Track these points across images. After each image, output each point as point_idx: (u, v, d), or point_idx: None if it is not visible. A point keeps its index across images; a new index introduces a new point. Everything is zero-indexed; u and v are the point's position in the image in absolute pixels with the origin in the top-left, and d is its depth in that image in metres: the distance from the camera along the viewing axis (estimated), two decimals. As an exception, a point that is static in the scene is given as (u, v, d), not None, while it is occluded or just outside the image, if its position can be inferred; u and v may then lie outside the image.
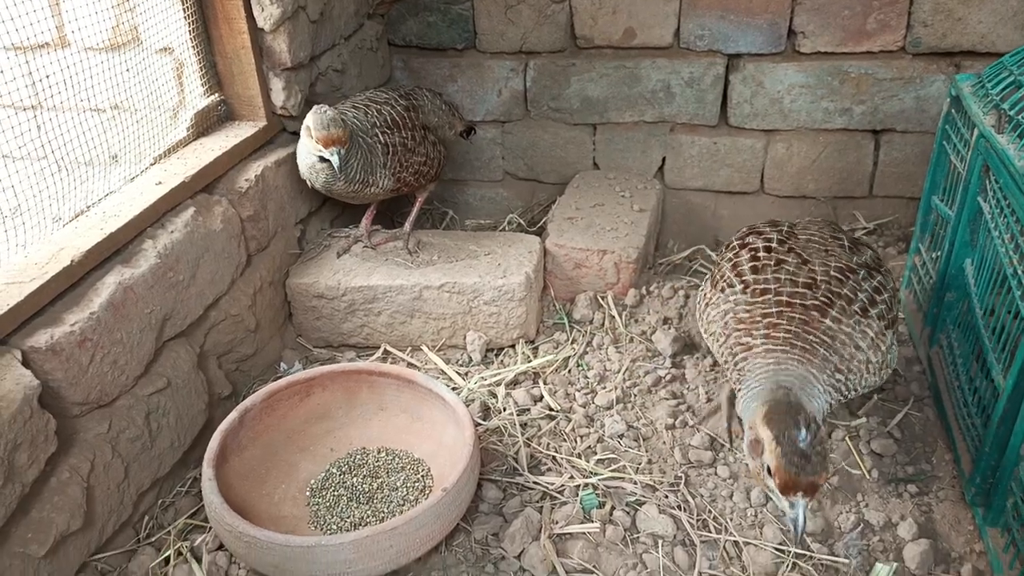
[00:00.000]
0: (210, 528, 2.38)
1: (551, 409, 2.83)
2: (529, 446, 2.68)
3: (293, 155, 3.20)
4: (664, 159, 3.99)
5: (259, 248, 3.05)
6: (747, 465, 2.27)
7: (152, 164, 2.78)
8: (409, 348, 3.21)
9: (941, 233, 2.80)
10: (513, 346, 3.20)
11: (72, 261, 2.25)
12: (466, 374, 3.06)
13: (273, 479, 2.50)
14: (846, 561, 2.24)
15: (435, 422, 2.60)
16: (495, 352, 3.20)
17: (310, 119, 2.80)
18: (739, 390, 2.15)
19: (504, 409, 2.85)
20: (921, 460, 2.57)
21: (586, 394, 2.92)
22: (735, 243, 2.49)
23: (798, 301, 2.17)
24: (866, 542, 2.32)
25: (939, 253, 2.76)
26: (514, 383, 2.98)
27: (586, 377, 3.00)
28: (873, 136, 3.75)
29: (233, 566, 2.30)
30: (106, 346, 2.26)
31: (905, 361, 2.95)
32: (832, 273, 2.23)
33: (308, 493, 2.50)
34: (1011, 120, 2.24)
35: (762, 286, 2.24)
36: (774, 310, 2.18)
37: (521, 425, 2.76)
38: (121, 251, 2.45)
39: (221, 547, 2.34)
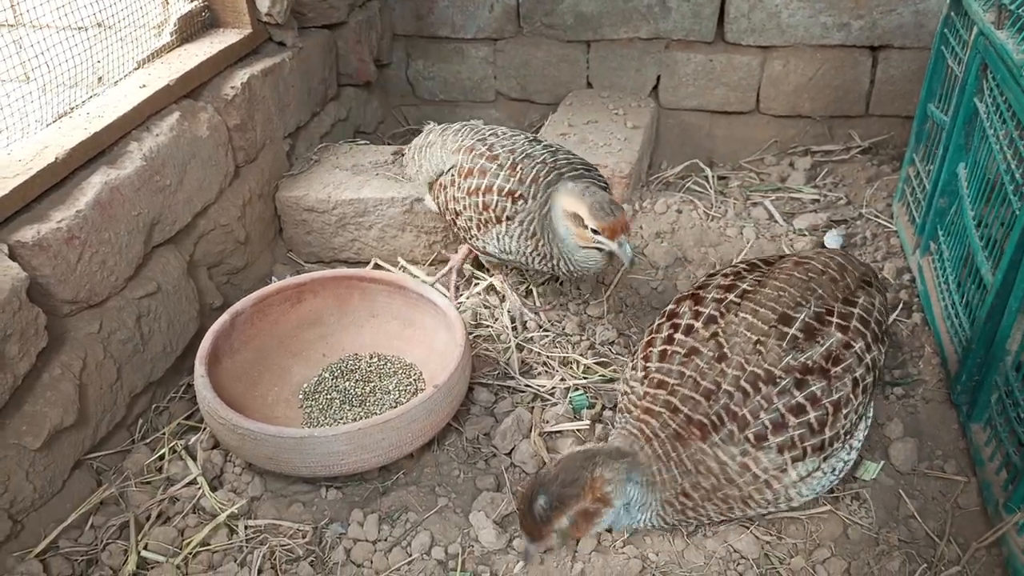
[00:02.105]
0: (205, 427, 2.40)
1: (543, 320, 2.84)
2: (521, 351, 2.70)
3: (280, 65, 3.14)
4: (659, 77, 3.93)
5: (247, 159, 3.01)
6: None
7: (136, 69, 2.72)
8: (401, 263, 3.20)
9: (936, 141, 2.78)
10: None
11: (56, 159, 2.21)
12: (458, 287, 3.06)
13: (266, 382, 2.52)
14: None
15: (427, 328, 2.60)
16: (485, 268, 3.19)
17: (573, 202, 2.34)
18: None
19: (497, 319, 2.86)
20: (908, 364, 2.60)
21: (579, 304, 2.92)
22: (667, 309, 2.08)
23: (686, 410, 1.83)
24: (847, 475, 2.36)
25: (932, 167, 2.75)
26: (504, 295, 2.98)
27: (578, 288, 3.00)
28: (871, 53, 3.69)
29: (228, 463, 2.32)
30: (94, 245, 2.24)
31: (896, 271, 2.96)
32: (742, 383, 1.80)
33: (301, 396, 2.52)
34: (1012, 15, 2.20)
35: (661, 376, 1.90)
36: (655, 408, 1.87)
37: (513, 331, 2.78)
38: (106, 152, 2.41)
39: (216, 446, 2.36)
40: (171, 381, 2.64)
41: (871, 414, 2.04)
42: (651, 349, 1.97)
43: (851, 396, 1.85)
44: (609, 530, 2.02)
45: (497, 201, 2.50)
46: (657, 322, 2.06)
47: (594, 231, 2.32)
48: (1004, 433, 2.07)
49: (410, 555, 2.04)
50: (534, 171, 2.49)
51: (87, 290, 2.24)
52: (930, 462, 2.30)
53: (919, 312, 2.76)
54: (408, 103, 4.28)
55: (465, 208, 2.60)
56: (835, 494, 2.19)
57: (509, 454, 2.33)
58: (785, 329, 1.87)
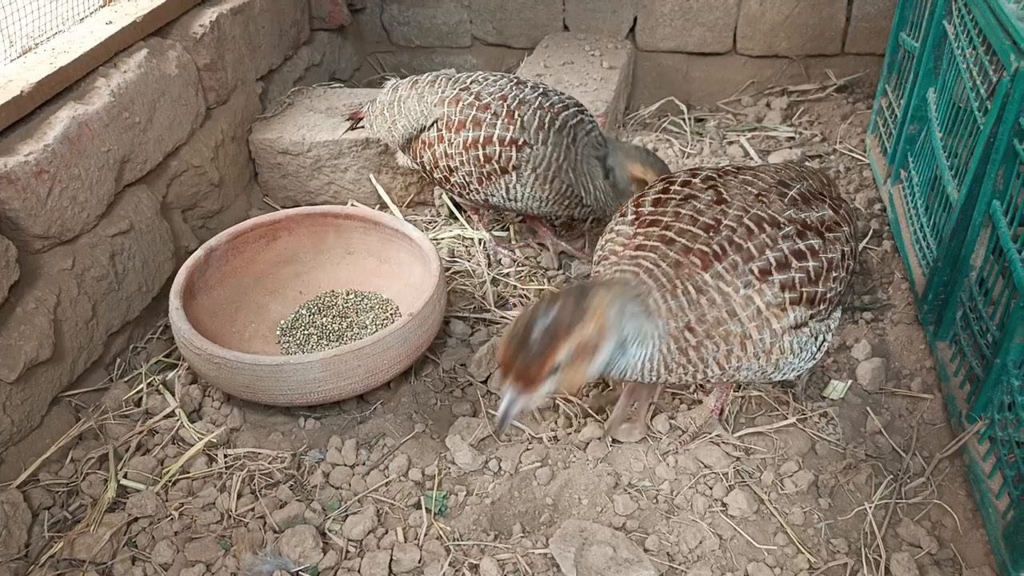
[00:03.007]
0: (182, 362, 2.42)
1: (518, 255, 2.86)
2: (496, 285, 2.72)
3: (249, 4, 3.10)
4: (636, 19, 3.90)
5: (219, 100, 2.99)
6: None
7: (102, 6, 2.68)
8: (377, 205, 3.20)
9: (907, 70, 2.79)
10: (482, 200, 3.19)
11: (22, 92, 2.19)
12: (435, 226, 3.06)
13: (243, 318, 2.53)
14: (795, 380, 2.32)
15: (402, 263, 2.61)
16: (462, 208, 3.19)
17: (640, 169, 2.50)
18: None
19: (472, 256, 2.87)
20: (877, 290, 2.64)
21: (555, 239, 2.94)
22: (660, 178, 2.05)
23: (682, 240, 1.74)
24: (820, 362, 2.40)
25: (903, 97, 2.76)
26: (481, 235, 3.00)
27: (554, 225, 3.01)
28: (846, -11, 3.68)
29: (207, 398, 2.34)
30: (64, 180, 2.23)
31: (867, 201, 2.99)
32: (746, 221, 1.77)
33: (278, 332, 2.53)
34: (979, -67, 2.20)
35: (653, 217, 1.82)
36: (649, 243, 1.76)
37: (488, 267, 2.79)
38: (73, 88, 2.39)
39: (194, 381, 2.38)
40: (148, 321, 2.64)
41: (839, 315, 1.99)
42: (643, 198, 1.91)
43: (839, 264, 1.84)
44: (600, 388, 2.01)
45: (500, 152, 2.47)
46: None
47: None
48: (968, 347, 2.12)
49: (388, 477, 2.08)
50: (536, 117, 2.47)
51: (58, 225, 2.23)
52: (897, 381, 2.35)
53: (889, 240, 2.79)
54: (383, 50, 4.24)
55: (462, 163, 2.54)
56: (803, 414, 2.24)
57: (485, 381, 2.36)
58: (785, 190, 1.88)
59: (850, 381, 2.33)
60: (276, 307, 2.60)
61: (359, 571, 1.85)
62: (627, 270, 1.75)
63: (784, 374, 1.89)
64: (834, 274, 1.82)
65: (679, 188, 1.88)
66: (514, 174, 2.50)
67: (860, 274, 2.70)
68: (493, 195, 2.59)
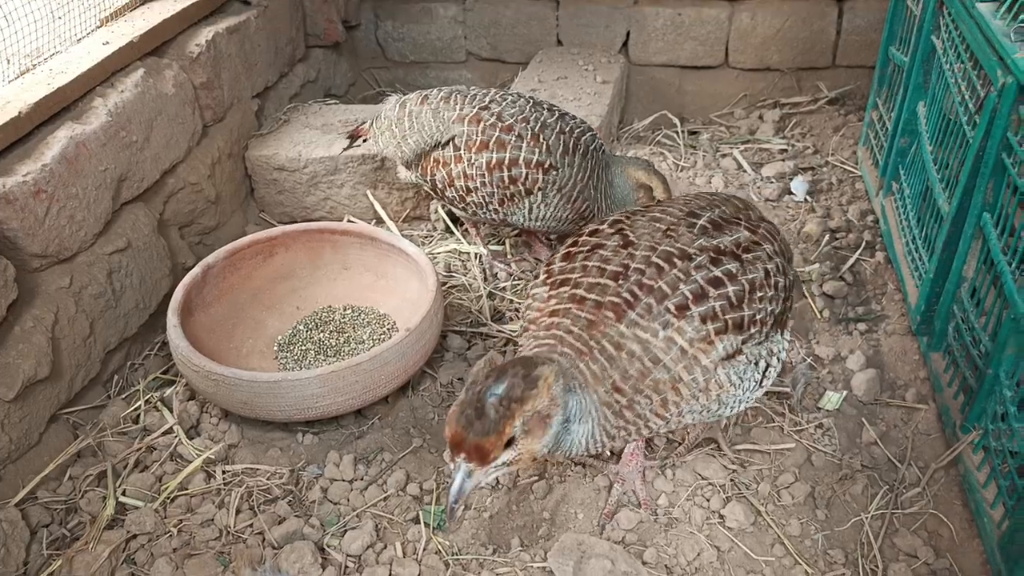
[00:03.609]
0: (180, 379, 2.42)
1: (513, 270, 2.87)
2: (492, 299, 2.73)
3: (245, 23, 3.12)
4: (628, 33, 3.94)
5: (215, 118, 3.01)
6: None
7: (99, 26, 2.70)
8: (374, 220, 3.22)
9: (897, 83, 2.82)
10: (477, 215, 3.21)
11: (20, 113, 2.20)
12: (431, 241, 3.08)
13: (240, 334, 2.53)
14: (790, 391, 2.33)
15: (399, 278, 2.63)
16: (458, 223, 3.21)
17: (645, 176, 2.56)
18: None
19: (468, 271, 2.88)
20: (871, 301, 2.67)
21: (550, 253, 2.96)
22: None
23: (593, 296, 1.68)
24: (815, 374, 2.42)
25: (893, 110, 2.79)
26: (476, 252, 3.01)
27: (550, 239, 3.03)
28: (836, 3, 3.72)
29: (204, 414, 2.35)
30: (61, 199, 2.24)
31: (860, 212, 3.02)
32: (654, 259, 1.70)
33: (276, 348, 2.54)
34: (964, -50, 2.24)
35: (563, 276, 1.76)
36: (561, 307, 1.70)
37: (484, 281, 2.81)
38: (71, 108, 2.40)
39: (192, 398, 2.39)
40: (145, 338, 2.65)
41: (784, 336, 1.91)
42: (554, 256, 1.86)
43: (764, 283, 1.76)
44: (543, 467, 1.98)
45: (527, 174, 2.48)
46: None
47: (659, 202, 2.48)
48: (961, 358, 2.14)
49: (386, 492, 2.08)
50: (560, 141, 2.50)
51: (56, 244, 2.24)
52: (892, 391, 2.37)
53: (882, 251, 2.82)
54: (378, 65, 4.27)
55: (483, 184, 2.53)
56: (799, 426, 2.25)
57: (482, 396, 2.36)
58: (694, 220, 1.82)
59: (845, 392, 2.35)
60: (273, 323, 2.61)
61: (358, 587, 1.85)
62: (544, 343, 1.67)
63: (732, 408, 1.79)
64: (759, 294, 1.74)
65: (587, 239, 1.81)
66: (539, 195, 2.52)
67: (853, 285, 2.72)
68: (513, 215, 2.60)
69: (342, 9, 3.85)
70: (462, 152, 2.53)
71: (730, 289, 1.70)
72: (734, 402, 1.78)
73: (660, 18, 3.85)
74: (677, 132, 3.72)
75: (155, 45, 2.74)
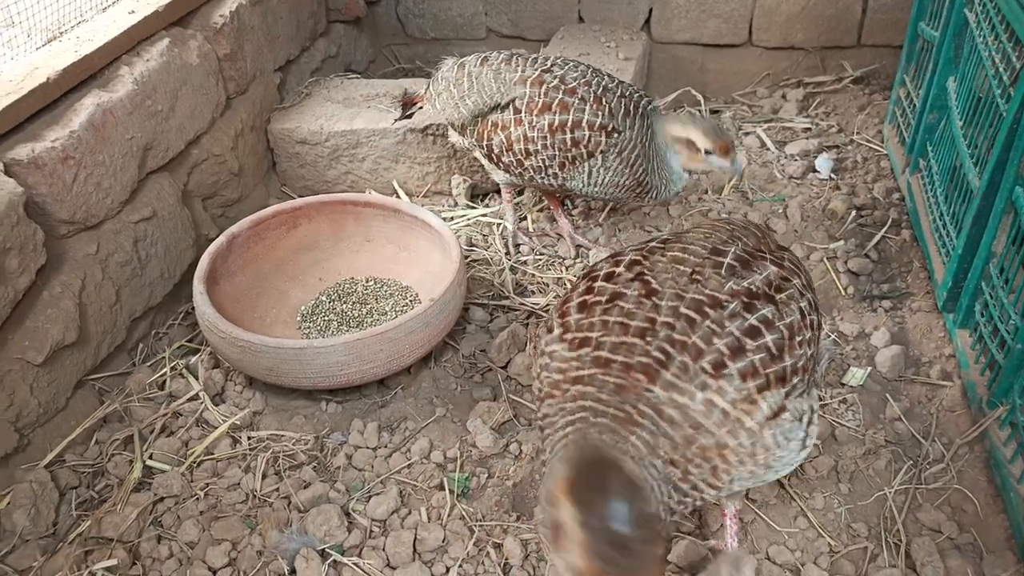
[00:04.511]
0: (205, 347, 2.44)
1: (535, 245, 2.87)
2: (515, 273, 2.73)
3: (269, -6, 3.12)
4: (651, 10, 3.90)
5: (238, 90, 3.01)
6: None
7: (123, -4, 2.71)
8: (394, 194, 3.21)
9: (926, 59, 2.79)
10: (499, 190, 3.20)
11: (48, 79, 2.21)
12: (451, 219, 3.08)
13: (264, 304, 2.55)
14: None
15: (422, 251, 2.63)
16: (480, 197, 3.21)
17: (683, 129, 2.48)
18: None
19: (490, 244, 2.88)
20: (896, 278, 2.65)
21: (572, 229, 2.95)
22: (586, 272, 1.74)
23: (620, 358, 1.47)
24: (839, 350, 2.41)
25: (922, 86, 2.75)
26: (501, 220, 3.01)
27: (571, 215, 3.02)
28: (863, -20, 3.67)
29: (229, 382, 2.37)
30: (89, 166, 2.25)
31: (885, 190, 2.99)
32: (683, 310, 1.51)
33: (299, 318, 2.55)
34: (1001, -80, 2.20)
35: (582, 334, 1.54)
36: (585, 372, 1.49)
37: (507, 256, 2.81)
38: (97, 76, 2.41)
39: (216, 365, 2.40)
40: (170, 308, 2.67)
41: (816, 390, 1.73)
42: (568, 304, 1.62)
43: (802, 325, 1.59)
44: None
45: (590, 136, 2.46)
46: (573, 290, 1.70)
47: (707, 151, 2.45)
48: (988, 334, 2.12)
49: (410, 459, 2.09)
50: (622, 104, 2.48)
51: (84, 211, 2.26)
52: (916, 368, 2.35)
53: (907, 228, 2.79)
54: (399, 42, 4.25)
55: (545, 147, 2.50)
56: (822, 401, 2.25)
57: (505, 367, 2.37)
58: (720, 259, 1.63)
59: (869, 368, 2.34)
60: (297, 293, 2.62)
61: (384, 549, 1.87)
62: (576, 416, 1.47)
63: (778, 472, 1.59)
64: (799, 338, 1.56)
65: (603, 284, 1.60)
66: (600, 158, 2.49)
67: (878, 263, 2.70)
68: (572, 179, 2.56)
69: (363, -16, 3.84)
70: (523, 114, 2.51)
71: (769, 339, 1.51)
72: (780, 465, 1.57)
73: (683, -5, 3.81)
74: (699, 110, 3.69)
75: (180, 15, 2.74)
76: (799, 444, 1.58)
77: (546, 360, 1.59)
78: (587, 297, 1.59)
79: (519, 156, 2.56)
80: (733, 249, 1.67)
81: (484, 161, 2.76)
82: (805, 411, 1.59)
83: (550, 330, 1.61)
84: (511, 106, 2.53)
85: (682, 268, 1.60)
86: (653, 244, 1.72)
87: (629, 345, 1.48)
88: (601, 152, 2.47)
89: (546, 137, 2.49)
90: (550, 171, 2.55)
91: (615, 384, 1.45)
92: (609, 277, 1.61)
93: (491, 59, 2.63)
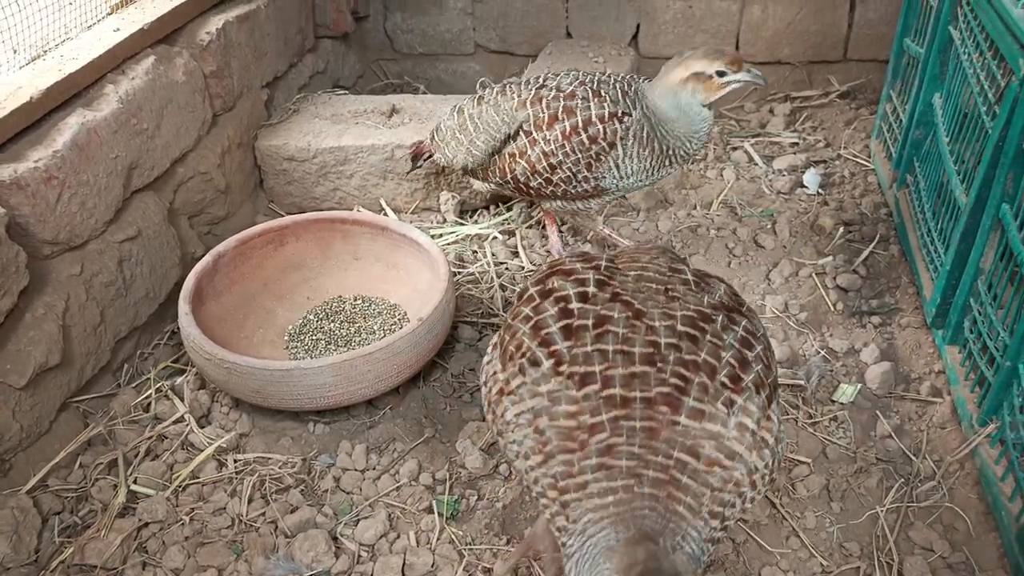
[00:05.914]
0: (191, 368, 2.41)
1: (523, 260, 2.86)
2: (504, 290, 2.72)
3: (255, 12, 3.11)
4: (638, 26, 3.92)
5: (225, 107, 2.99)
6: None
7: (109, 13, 2.69)
8: (382, 211, 3.20)
9: (912, 75, 2.80)
10: (487, 207, 3.20)
11: (31, 98, 2.19)
12: (439, 235, 3.06)
13: (251, 324, 2.52)
14: (804, 383, 2.32)
15: (410, 269, 2.61)
16: (469, 213, 3.20)
17: (682, 68, 2.42)
18: (569, 545, 1.34)
19: (478, 260, 2.87)
20: (885, 294, 2.65)
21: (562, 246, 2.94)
22: (532, 290, 1.55)
23: (637, 393, 1.33)
24: (829, 367, 2.41)
25: (908, 102, 2.77)
26: (489, 237, 3.00)
27: (560, 231, 3.01)
28: (849, -4, 3.70)
29: (216, 404, 2.34)
30: (73, 186, 2.23)
31: (873, 206, 3.00)
32: (680, 328, 1.40)
33: (287, 338, 2.53)
34: (984, -61, 2.22)
35: (581, 368, 1.37)
36: (605, 417, 1.32)
37: (496, 274, 2.79)
38: (82, 95, 2.39)
39: (203, 386, 2.37)
40: (155, 327, 2.64)
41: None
42: (547, 331, 1.43)
43: (764, 334, 1.53)
44: None
45: (604, 128, 2.46)
46: (524, 311, 1.51)
47: (720, 73, 2.39)
48: (977, 350, 2.12)
49: (398, 481, 2.07)
50: (619, 90, 2.50)
51: (67, 231, 2.23)
52: (906, 385, 2.35)
53: (895, 244, 2.80)
54: (387, 57, 4.25)
55: (566, 155, 2.50)
56: (813, 418, 2.24)
57: (494, 387, 2.35)
58: (683, 276, 1.56)
59: (859, 385, 2.33)
60: (284, 312, 2.60)
61: (372, 575, 1.84)
62: (608, 501, 1.29)
63: (760, 493, 1.42)
64: (769, 348, 1.52)
65: (580, 306, 1.44)
66: (620, 147, 2.49)
67: (867, 278, 2.71)
68: (604, 177, 2.54)
69: (351, 0, 3.84)
70: (535, 134, 2.52)
71: (758, 349, 1.44)
72: (762, 485, 1.41)
73: (670, 11, 3.83)
74: (687, 125, 3.69)
75: (166, 33, 2.73)
76: (775, 462, 1.48)
77: (543, 403, 1.37)
78: (569, 321, 1.43)
79: (546, 175, 2.56)
80: (684, 266, 1.62)
81: (516, 195, 2.79)
82: (776, 420, 1.50)
83: (535, 363, 1.40)
84: (520, 132, 2.55)
85: (654, 286, 1.52)
86: (602, 263, 1.58)
87: (641, 376, 1.35)
88: (620, 139, 2.47)
89: (563, 145, 2.50)
90: (579, 176, 2.54)
91: (642, 428, 1.31)
92: (584, 298, 1.46)
93: (486, 97, 2.66)
